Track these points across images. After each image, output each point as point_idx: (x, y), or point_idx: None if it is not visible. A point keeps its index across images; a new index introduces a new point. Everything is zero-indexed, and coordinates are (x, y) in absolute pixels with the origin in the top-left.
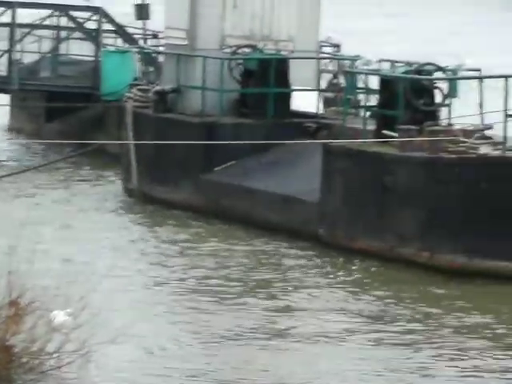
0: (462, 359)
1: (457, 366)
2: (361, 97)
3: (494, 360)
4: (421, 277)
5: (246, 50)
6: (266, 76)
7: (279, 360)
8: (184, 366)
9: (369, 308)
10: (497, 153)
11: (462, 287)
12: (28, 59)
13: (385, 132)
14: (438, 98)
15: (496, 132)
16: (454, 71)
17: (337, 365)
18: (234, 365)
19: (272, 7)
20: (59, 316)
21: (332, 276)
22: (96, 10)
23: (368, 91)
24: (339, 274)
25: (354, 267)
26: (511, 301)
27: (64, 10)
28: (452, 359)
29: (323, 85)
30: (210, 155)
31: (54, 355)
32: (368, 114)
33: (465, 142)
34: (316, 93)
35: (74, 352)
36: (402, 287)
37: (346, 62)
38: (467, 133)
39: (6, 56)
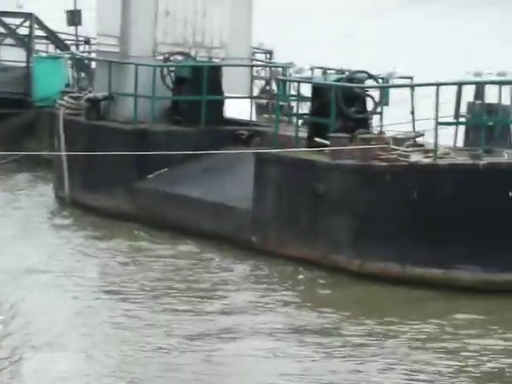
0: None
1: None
2: (293, 104)
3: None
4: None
5: (179, 57)
6: (198, 83)
7: (216, 367)
8: (120, 374)
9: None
10: (428, 160)
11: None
12: None
13: (317, 140)
14: (370, 106)
15: (427, 139)
16: (386, 79)
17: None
18: (166, 374)
19: (204, 14)
20: None
21: (263, 283)
22: (28, 16)
23: (300, 99)
24: (271, 280)
25: (299, 277)
26: (449, 310)
27: None
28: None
29: (256, 92)
30: (143, 162)
31: None
32: (300, 121)
33: (396, 150)
34: (249, 100)
35: (5, 359)
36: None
37: (279, 69)
38: (398, 140)
39: None
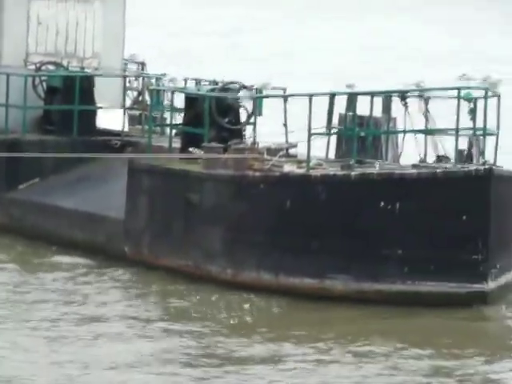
0: None
1: None
2: (167, 115)
3: None
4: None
5: (50, 66)
6: (70, 93)
7: None
8: None
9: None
10: (301, 171)
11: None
12: None
13: (190, 150)
14: (244, 117)
15: (301, 150)
16: (259, 90)
17: None
18: None
19: (76, 25)
20: None
21: (132, 291)
22: None
23: (173, 109)
24: (140, 289)
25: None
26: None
27: None
28: None
29: (128, 102)
30: (14, 173)
31: None
32: (174, 131)
33: (269, 160)
34: (121, 110)
35: None
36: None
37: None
38: (272, 151)
39: None
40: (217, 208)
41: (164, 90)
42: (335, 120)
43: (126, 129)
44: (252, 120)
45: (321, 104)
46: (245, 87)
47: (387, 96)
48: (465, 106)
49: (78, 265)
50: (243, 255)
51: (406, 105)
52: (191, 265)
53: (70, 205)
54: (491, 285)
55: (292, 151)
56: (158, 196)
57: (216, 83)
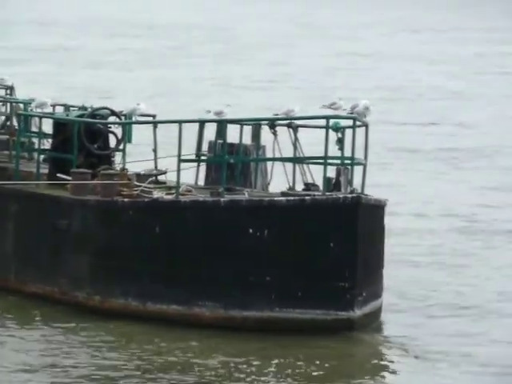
0: None
1: None
2: (35, 140)
3: None
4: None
5: None
6: None
7: None
8: None
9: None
10: (170, 197)
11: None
12: None
13: (59, 175)
14: (113, 142)
15: (170, 177)
16: (128, 116)
17: None
18: None
19: None
20: None
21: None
22: None
23: (42, 134)
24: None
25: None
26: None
27: None
28: None
29: None
30: None
31: None
32: (42, 157)
33: (139, 186)
34: None
35: None
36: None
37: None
38: (141, 177)
39: None
40: (85, 234)
41: (32, 116)
42: (205, 147)
43: None
44: (121, 146)
45: (192, 130)
46: (114, 113)
47: (256, 124)
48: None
49: None
50: (111, 282)
51: (275, 133)
52: (58, 291)
53: None
54: (358, 312)
55: (161, 178)
56: (25, 222)
57: (85, 108)
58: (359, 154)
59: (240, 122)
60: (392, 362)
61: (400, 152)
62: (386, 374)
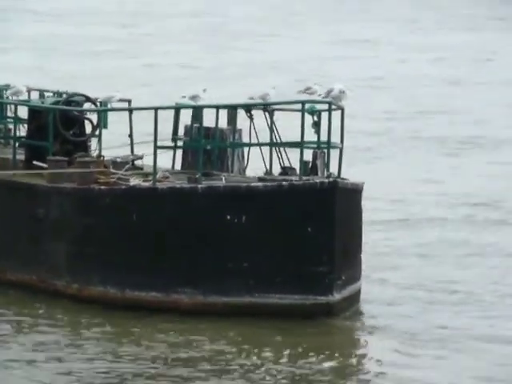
0: None
1: None
2: (11, 126)
3: None
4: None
5: None
6: None
7: None
8: None
9: None
10: (147, 184)
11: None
12: None
13: (35, 163)
14: (88, 129)
15: (147, 162)
16: (104, 102)
17: None
18: None
19: None
20: None
21: None
22: None
23: (17, 121)
24: None
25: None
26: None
27: None
28: None
29: None
30: None
31: None
32: (18, 144)
33: (115, 174)
34: None
35: None
36: None
37: None
38: (118, 164)
39: None
40: (62, 222)
41: (6, 103)
42: (181, 131)
43: None
44: (97, 133)
45: (168, 115)
46: (89, 99)
47: (232, 108)
48: (310, 119)
49: None
50: (88, 269)
51: (251, 117)
52: (37, 280)
53: None
54: (336, 296)
55: (138, 163)
56: (2, 210)
57: (60, 95)
58: (336, 138)
59: (216, 106)
60: (373, 347)
61: (398, 140)
62: (366, 360)
